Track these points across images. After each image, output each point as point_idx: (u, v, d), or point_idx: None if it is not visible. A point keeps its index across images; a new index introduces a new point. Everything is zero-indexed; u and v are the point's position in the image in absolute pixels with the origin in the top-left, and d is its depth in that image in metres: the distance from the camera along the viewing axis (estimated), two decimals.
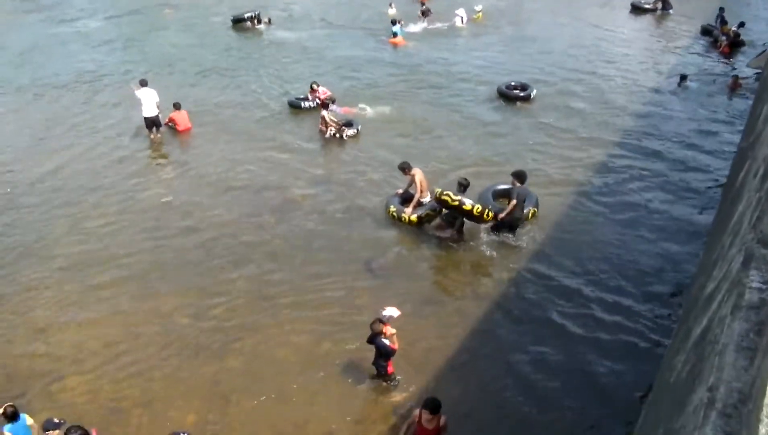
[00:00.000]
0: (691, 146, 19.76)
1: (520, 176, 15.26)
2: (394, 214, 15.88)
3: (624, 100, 23.10)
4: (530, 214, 16.02)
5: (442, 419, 8.95)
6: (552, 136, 20.54)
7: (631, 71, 26.31)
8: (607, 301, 13.38)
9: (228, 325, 13.14)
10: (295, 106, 22.83)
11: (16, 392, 11.58)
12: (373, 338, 11.11)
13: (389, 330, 11.11)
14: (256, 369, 12.09)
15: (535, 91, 22.98)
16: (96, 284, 14.40)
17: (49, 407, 11.34)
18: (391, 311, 11.41)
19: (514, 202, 15.05)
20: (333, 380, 11.81)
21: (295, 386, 11.67)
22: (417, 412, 9.03)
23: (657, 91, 23.96)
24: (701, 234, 15.05)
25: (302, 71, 26.87)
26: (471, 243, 15.32)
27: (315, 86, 23.18)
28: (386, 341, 11.07)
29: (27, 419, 10.34)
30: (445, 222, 15.39)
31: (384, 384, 11.58)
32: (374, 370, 11.58)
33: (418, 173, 15.96)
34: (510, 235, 15.33)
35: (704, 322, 7.05)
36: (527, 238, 15.43)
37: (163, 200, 17.54)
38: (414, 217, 15.67)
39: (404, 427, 9.48)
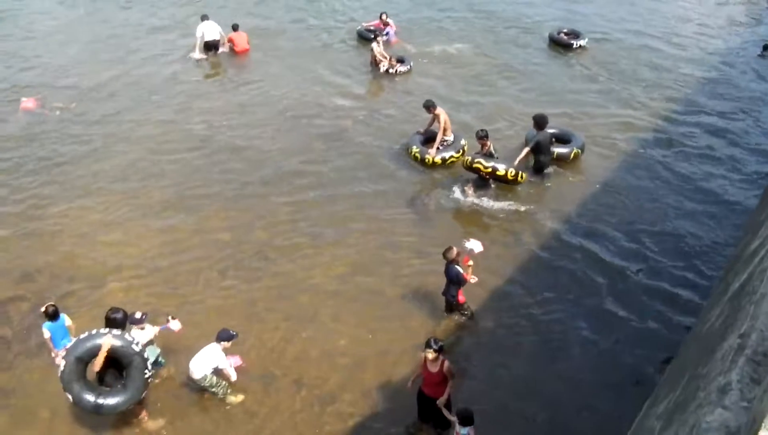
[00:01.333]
0: (758, 121, 18.34)
1: (538, 122, 15.13)
2: (417, 155, 15.77)
3: (692, 68, 21.48)
4: (572, 155, 15.87)
5: (446, 364, 8.96)
6: (603, 92, 19.68)
7: (707, 36, 24.34)
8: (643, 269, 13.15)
9: (268, 247, 13.48)
10: (363, 37, 22.59)
11: (58, 293, 12.14)
12: (447, 266, 11.09)
13: (469, 262, 11.10)
14: (293, 293, 12.42)
15: (585, 40, 21.89)
16: (144, 197, 14.90)
17: (87, 310, 11.91)
18: (473, 245, 11.38)
19: (526, 149, 15.08)
20: (365, 308, 12.12)
21: (326, 312, 12.02)
22: (421, 355, 9.11)
23: (731, 62, 22.04)
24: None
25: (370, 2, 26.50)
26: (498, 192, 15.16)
27: (384, 17, 22.84)
28: (459, 269, 11.03)
29: (66, 319, 10.83)
30: (475, 185, 15.07)
31: (456, 317, 11.73)
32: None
33: (442, 113, 15.73)
34: (538, 178, 15.39)
35: (744, 276, 7.03)
36: (562, 192, 15.29)
37: (214, 119, 17.84)
38: (438, 159, 15.58)
39: (414, 375, 9.48)
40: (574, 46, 21.64)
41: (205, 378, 10.07)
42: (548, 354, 11.27)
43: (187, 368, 10.20)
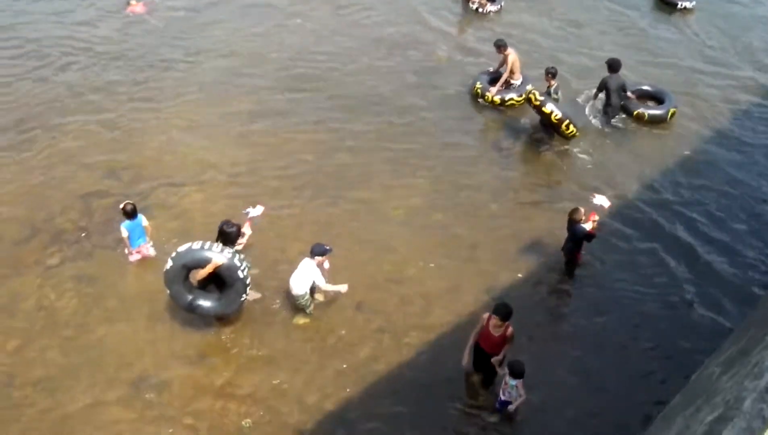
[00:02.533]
0: None
1: (611, 65, 14.68)
2: (479, 90, 15.59)
3: None
4: (669, 115, 15.31)
5: (509, 329, 8.93)
6: (705, 58, 18.23)
7: None
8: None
9: (348, 171, 13.62)
10: None
11: (139, 192, 12.61)
12: (572, 226, 10.93)
13: (594, 217, 10.97)
14: (367, 220, 12.56)
15: (693, 2, 20.66)
16: (232, 109, 15.12)
17: (165, 212, 12.36)
18: (601, 200, 11.37)
19: (594, 91, 14.89)
20: (437, 244, 12.18)
21: (398, 242, 12.14)
22: (486, 316, 9.09)
23: None
24: None
25: None
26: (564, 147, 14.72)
27: None
28: (585, 226, 10.83)
29: (143, 220, 11.25)
30: (541, 124, 14.71)
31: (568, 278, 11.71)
32: None
33: (511, 54, 15.29)
34: (604, 122, 15.11)
35: None
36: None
37: (307, 41, 17.75)
38: (497, 99, 15.36)
39: (474, 332, 9.34)
40: (679, 6, 20.66)
41: (304, 295, 10.33)
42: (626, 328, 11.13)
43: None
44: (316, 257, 10.11)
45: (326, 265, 10.39)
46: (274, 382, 9.95)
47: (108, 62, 16.45)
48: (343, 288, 10.38)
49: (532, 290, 11.52)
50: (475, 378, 9.83)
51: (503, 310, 8.90)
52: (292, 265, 10.49)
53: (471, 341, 9.35)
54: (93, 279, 11.32)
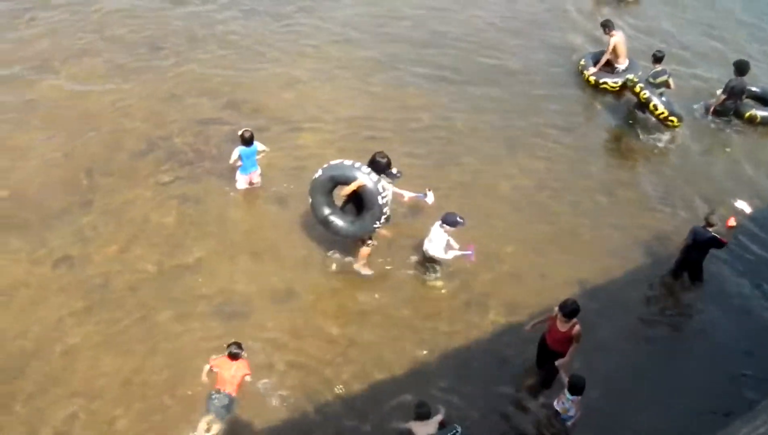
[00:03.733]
0: None
1: (739, 68, 13.80)
2: (581, 67, 15.23)
3: None
4: None
5: (576, 328, 8.61)
6: None
7: None
8: None
9: (462, 137, 13.43)
10: None
11: (256, 125, 12.73)
12: (700, 231, 10.38)
13: (732, 222, 10.50)
14: (472, 190, 12.35)
15: None
16: (357, 60, 15.17)
17: (277, 148, 12.50)
18: (742, 205, 11.23)
19: (718, 92, 14.01)
20: (538, 227, 11.92)
21: (498, 217, 11.90)
22: (556, 309, 8.74)
23: None
24: None
25: None
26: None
27: None
28: (714, 234, 10.30)
29: (259, 146, 11.55)
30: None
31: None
32: None
33: (616, 36, 14.58)
34: (714, 120, 14.29)
35: None
36: None
37: (437, 4, 17.56)
38: (592, 79, 14.95)
39: (540, 318, 9.21)
40: None
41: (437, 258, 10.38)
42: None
43: None
44: (444, 225, 10.08)
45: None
46: (353, 336, 10.05)
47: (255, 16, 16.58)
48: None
49: (627, 292, 11.06)
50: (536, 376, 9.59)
51: (568, 307, 8.57)
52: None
53: (535, 321, 9.24)
54: (198, 201, 11.74)
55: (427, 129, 13.50)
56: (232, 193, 11.83)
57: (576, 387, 8.38)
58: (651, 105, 13.44)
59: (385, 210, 9.90)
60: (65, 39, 15.05)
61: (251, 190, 11.87)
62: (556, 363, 8.82)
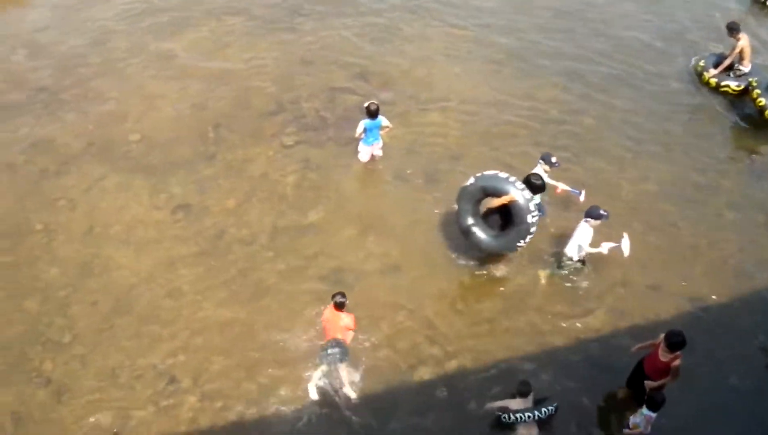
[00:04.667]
0: None
1: None
2: (700, 68, 14.30)
3: None
4: None
5: (677, 362, 8.01)
6: None
7: None
8: None
9: (587, 135, 12.75)
10: None
11: (383, 98, 12.75)
12: None
13: None
14: (597, 191, 11.41)
15: None
16: (493, 45, 14.84)
17: (402, 124, 12.43)
18: None
19: None
20: (656, 238, 11.23)
21: (618, 223, 11.15)
22: (661, 336, 8.15)
23: None
24: None
25: None
26: None
27: None
28: None
29: (383, 121, 11.47)
30: None
31: None
32: None
33: (743, 39, 13.42)
34: None
35: None
36: None
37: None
38: (713, 81, 14.00)
39: (646, 343, 8.59)
40: None
41: (569, 256, 10.01)
42: None
43: None
44: (589, 219, 9.69)
45: None
46: (456, 318, 9.85)
47: None
48: (625, 247, 9.74)
49: (745, 317, 10.14)
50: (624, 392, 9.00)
51: (674, 338, 7.97)
52: None
53: (640, 346, 8.64)
54: (319, 167, 11.86)
55: (554, 123, 13.02)
56: (352, 164, 11.87)
57: (654, 403, 7.89)
58: (756, 100, 12.88)
59: (532, 230, 9.61)
60: None
61: (372, 162, 11.89)
62: (645, 383, 8.31)
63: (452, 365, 9.21)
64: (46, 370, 8.97)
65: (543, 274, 10.30)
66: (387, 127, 11.56)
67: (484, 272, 10.33)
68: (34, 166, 11.68)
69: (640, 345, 8.66)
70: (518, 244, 9.72)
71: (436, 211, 11.07)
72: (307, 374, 8.78)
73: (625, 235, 9.74)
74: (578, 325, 9.81)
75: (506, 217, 9.75)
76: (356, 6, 15.67)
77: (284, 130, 12.42)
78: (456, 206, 9.96)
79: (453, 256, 10.52)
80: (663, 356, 8.07)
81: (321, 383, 8.71)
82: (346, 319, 8.46)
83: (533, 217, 9.49)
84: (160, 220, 10.82)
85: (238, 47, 14.28)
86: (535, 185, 9.72)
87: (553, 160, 10.15)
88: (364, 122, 11.33)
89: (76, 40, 14.45)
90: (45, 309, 9.62)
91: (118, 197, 11.17)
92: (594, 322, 9.86)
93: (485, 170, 9.82)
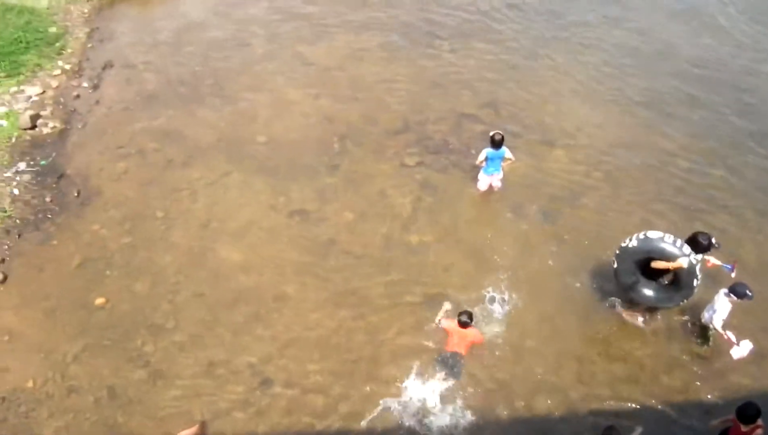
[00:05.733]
0: None
1: None
2: None
3: None
4: None
5: (758, 431, 7.62)
6: None
7: None
8: None
9: (720, 194, 11.98)
10: None
11: (510, 130, 12.57)
12: None
13: None
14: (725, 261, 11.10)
15: None
16: (627, 88, 14.33)
17: (525, 158, 12.18)
18: None
19: None
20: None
21: None
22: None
23: None
24: None
25: None
26: None
27: None
28: None
29: (506, 152, 11.25)
30: None
31: None
32: None
33: None
34: None
35: None
36: None
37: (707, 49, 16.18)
38: None
39: (727, 417, 8.19)
40: None
41: (714, 327, 9.50)
42: None
43: None
44: (732, 296, 9.18)
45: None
46: (566, 358, 9.52)
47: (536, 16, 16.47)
48: (744, 349, 9.20)
49: None
50: None
51: (747, 412, 7.58)
52: None
53: (723, 419, 8.31)
54: (436, 190, 11.81)
55: (683, 174, 12.43)
56: (470, 191, 11.75)
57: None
58: None
59: (695, 290, 9.32)
60: (348, 8, 16.08)
61: (490, 192, 11.71)
62: None
63: (552, 406, 8.95)
64: (146, 352, 9.28)
65: (696, 348, 9.73)
66: (509, 159, 11.36)
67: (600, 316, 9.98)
68: (163, 155, 12.19)
69: (721, 419, 8.30)
70: (681, 302, 9.49)
71: (552, 248, 10.78)
72: (404, 387, 8.81)
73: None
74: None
75: (672, 277, 9.42)
76: (495, 34, 15.63)
77: (407, 150, 12.45)
78: (614, 265, 9.60)
79: (562, 299, 10.18)
80: (743, 428, 7.70)
81: (427, 394, 8.76)
82: (473, 333, 8.87)
83: (697, 280, 9.17)
84: (275, 223, 11.04)
85: (372, 62, 14.50)
86: (701, 245, 9.24)
87: (715, 242, 9.39)
88: (487, 151, 11.19)
89: (220, 39, 15.10)
90: (154, 292, 9.98)
91: (239, 195, 11.48)
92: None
93: (633, 235, 9.44)
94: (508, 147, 11.30)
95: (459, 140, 12.73)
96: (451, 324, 8.94)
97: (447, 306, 9.36)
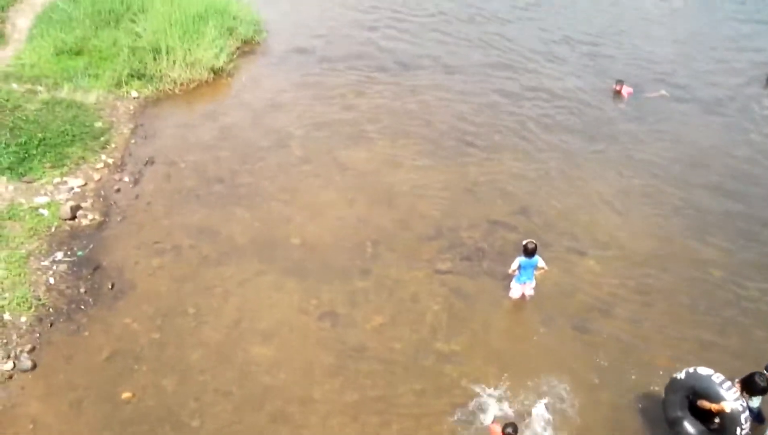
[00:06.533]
0: None
1: None
2: None
3: None
4: None
5: None
6: None
7: None
8: None
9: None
10: None
11: (542, 238, 12.60)
12: None
13: None
14: None
15: None
16: (661, 201, 14.44)
17: (557, 268, 12.27)
18: None
19: None
20: None
21: None
22: None
23: None
24: None
25: None
26: None
27: None
28: None
29: (539, 261, 11.36)
30: None
31: None
32: None
33: None
34: None
35: None
36: None
37: None
38: None
39: None
40: None
41: None
42: None
43: None
44: None
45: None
46: None
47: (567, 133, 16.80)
48: None
49: None
50: None
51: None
52: None
53: None
54: (468, 297, 11.86)
55: (719, 287, 12.35)
56: (502, 300, 11.78)
57: None
58: None
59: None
60: (385, 115, 16.72)
61: (522, 301, 11.76)
62: None
63: None
64: None
65: None
66: (542, 268, 11.44)
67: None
68: (198, 252, 12.42)
69: None
70: None
71: (585, 362, 10.69)
72: None
73: None
74: None
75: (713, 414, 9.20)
76: (529, 142, 16.04)
77: (440, 256, 12.58)
78: (663, 395, 9.62)
79: (595, 418, 9.99)
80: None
81: None
82: None
83: (743, 429, 8.88)
84: (305, 324, 11.10)
85: (407, 168, 14.86)
86: (756, 386, 9.05)
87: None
88: (520, 259, 11.27)
89: (258, 140, 15.61)
90: (181, 389, 9.99)
91: (270, 295, 11.61)
92: None
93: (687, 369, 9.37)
94: (541, 255, 11.38)
95: (492, 247, 12.85)
96: (497, 429, 8.89)
97: (497, 411, 9.48)
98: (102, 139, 15.03)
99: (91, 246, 12.37)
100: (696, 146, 16.47)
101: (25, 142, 14.23)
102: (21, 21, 18.90)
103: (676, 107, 18.06)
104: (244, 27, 19.70)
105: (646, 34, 22.04)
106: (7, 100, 15.41)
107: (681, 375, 9.33)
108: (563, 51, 20.50)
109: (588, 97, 18.12)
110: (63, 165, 14.07)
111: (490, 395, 10.11)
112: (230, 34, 19.13)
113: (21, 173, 13.59)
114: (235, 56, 18.70)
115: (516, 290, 11.69)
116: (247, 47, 19.51)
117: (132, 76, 16.98)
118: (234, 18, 19.61)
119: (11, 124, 14.65)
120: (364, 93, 17.64)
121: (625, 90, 18.23)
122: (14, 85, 16.07)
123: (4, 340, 10.38)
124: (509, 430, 8.67)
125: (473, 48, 20.34)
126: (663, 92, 18.53)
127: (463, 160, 15.28)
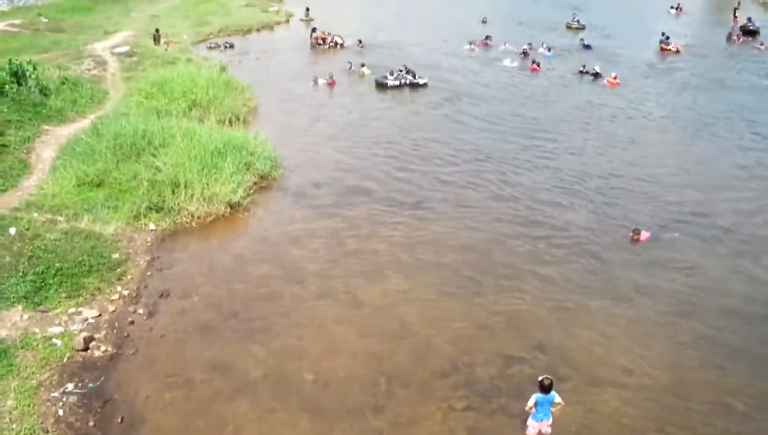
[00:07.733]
0: None
1: None
2: None
3: None
4: None
5: None
6: None
7: None
8: None
9: None
10: None
11: (559, 373, 12.51)
12: None
13: None
14: None
15: None
16: (683, 330, 14.42)
17: (576, 402, 12.11)
18: None
19: None
20: None
21: None
22: None
23: None
24: None
25: None
26: None
27: None
28: None
29: (556, 397, 11.29)
30: None
31: None
32: None
33: None
34: None
35: None
36: None
37: None
38: None
39: None
40: None
41: None
42: None
43: None
44: None
45: None
46: None
47: (579, 257, 17.16)
48: None
49: None
50: None
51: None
52: None
53: None
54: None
55: (740, 419, 12.12)
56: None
57: None
58: None
59: None
60: (400, 250, 16.96)
61: None
62: None
63: None
64: None
65: None
66: (559, 404, 11.33)
67: None
68: (211, 387, 12.35)
69: None
70: None
71: None
72: None
73: None
74: None
75: None
76: (542, 279, 16.12)
77: (455, 393, 12.45)
78: None
79: None
80: None
81: None
82: None
83: None
84: None
85: (421, 303, 14.94)
86: None
87: None
88: (536, 396, 11.21)
89: (273, 274, 15.84)
90: None
91: (282, 434, 11.42)
92: None
93: None
94: (557, 391, 11.30)
95: (507, 383, 12.71)
96: None
97: None
98: (118, 270, 15.31)
99: (103, 378, 12.37)
100: (712, 273, 16.61)
101: (43, 272, 14.53)
102: (46, 152, 19.67)
103: (692, 242, 18.33)
104: (261, 162, 20.44)
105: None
106: (27, 229, 15.84)
107: None
108: (577, 187, 21.06)
109: (603, 236, 18.34)
110: (79, 295, 14.28)
111: None
112: (247, 169, 19.82)
113: (37, 302, 13.82)
114: (252, 191, 19.31)
115: (532, 428, 11.49)
116: (264, 182, 20.22)
117: (150, 208, 17.50)
118: (251, 154, 20.38)
119: (30, 253, 15.01)
120: (378, 228, 18.08)
121: (643, 235, 18.48)
122: (35, 215, 16.57)
123: None
124: None
125: (486, 185, 20.98)
126: None
127: (480, 294, 15.38)
